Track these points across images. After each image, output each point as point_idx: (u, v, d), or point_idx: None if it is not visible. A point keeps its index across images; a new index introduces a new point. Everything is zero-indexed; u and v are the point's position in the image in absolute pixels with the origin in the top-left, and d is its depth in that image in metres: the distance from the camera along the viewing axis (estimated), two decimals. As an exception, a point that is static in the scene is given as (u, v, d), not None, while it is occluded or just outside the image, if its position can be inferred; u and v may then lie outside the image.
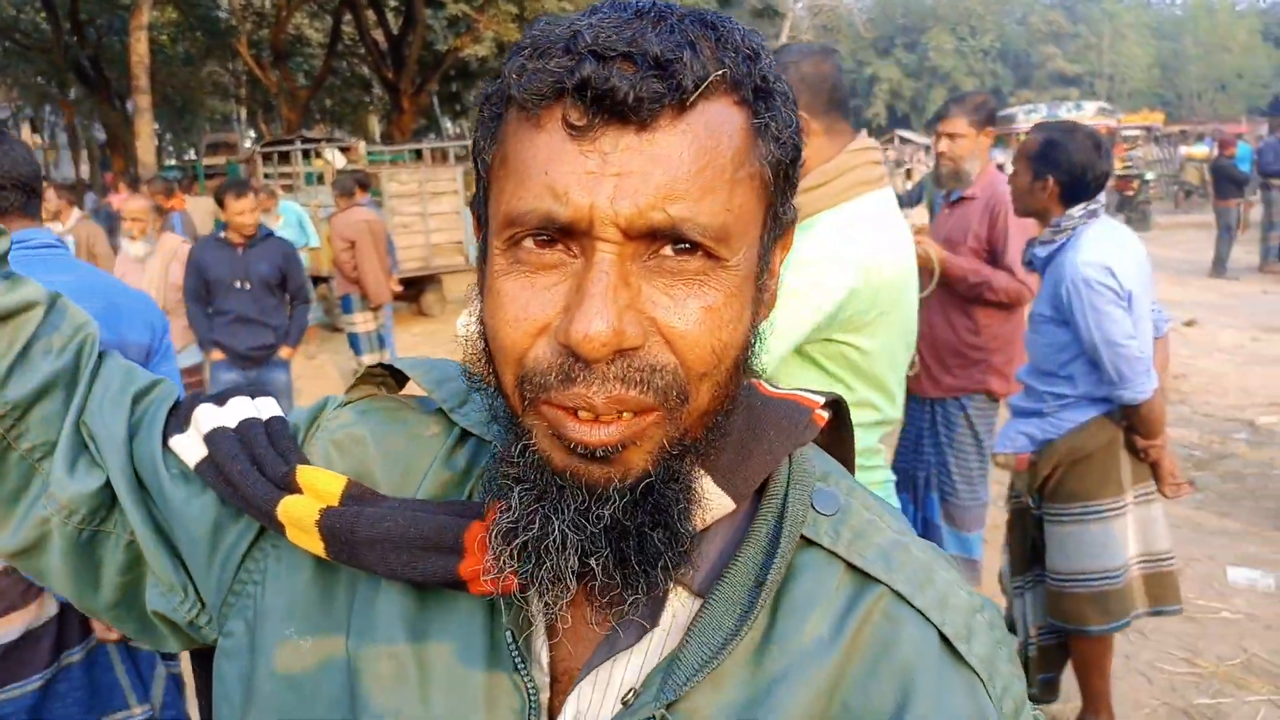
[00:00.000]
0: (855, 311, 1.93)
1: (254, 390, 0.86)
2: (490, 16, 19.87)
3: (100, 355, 0.86)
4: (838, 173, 2.03)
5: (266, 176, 13.39)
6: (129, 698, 2.64)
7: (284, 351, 5.63)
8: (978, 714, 0.66)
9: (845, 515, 0.72)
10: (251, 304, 5.42)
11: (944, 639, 0.69)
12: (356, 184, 8.78)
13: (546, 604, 0.66)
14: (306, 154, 14.09)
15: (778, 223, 0.67)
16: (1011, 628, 3.28)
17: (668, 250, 0.60)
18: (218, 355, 5.45)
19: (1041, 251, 3.05)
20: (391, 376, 0.87)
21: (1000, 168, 4.71)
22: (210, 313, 5.46)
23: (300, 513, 0.72)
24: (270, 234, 5.77)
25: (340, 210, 8.39)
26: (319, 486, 0.74)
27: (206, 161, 19.92)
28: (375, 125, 31.94)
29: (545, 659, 0.70)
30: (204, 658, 0.91)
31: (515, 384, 0.62)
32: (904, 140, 34.49)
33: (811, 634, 0.68)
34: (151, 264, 5.71)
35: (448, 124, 35.12)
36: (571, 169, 0.57)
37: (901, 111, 59.81)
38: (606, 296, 0.57)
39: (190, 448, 0.80)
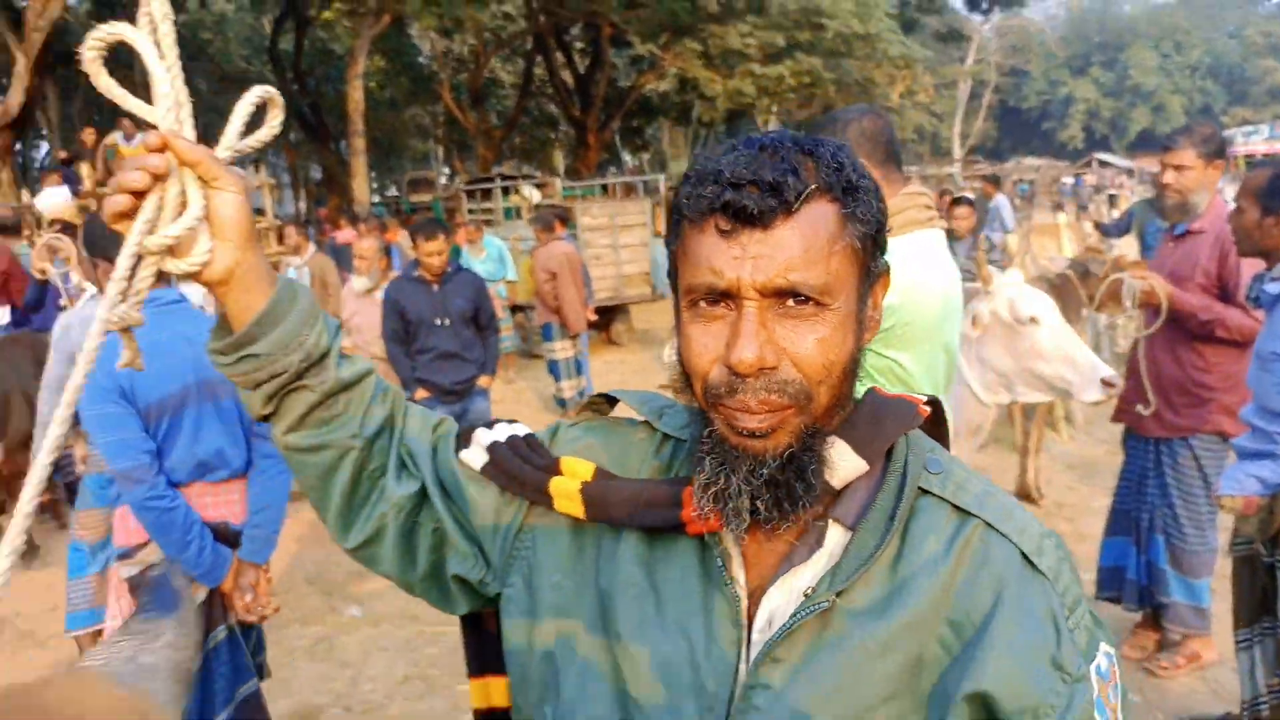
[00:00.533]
0: (897, 324, 2.19)
1: (509, 420, 1.22)
2: (675, 54, 20.47)
3: (403, 401, 1.23)
4: (892, 213, 2.14)
5: (470, 212, 14.36)
6: (251, 670, 3.08)
7: (484, 381, 5.69)
8: (1048, 606, 0.94)
9: (949, 473, 1.01)
10: (453, 339, 5.49)
11: (1023, 555, 0.96)
12: (556, 219, 9.30)
13: (735, 535, 0.99)
14: (505, 190, 15.01)
15: (870, 274, 0.97)
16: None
17: (790, 302, 0.91)
18: (422, 393, 5.50)
19: (1272, 289, 2.93)
20: (605, 402, 1.24)
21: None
22: (412, 351, 5.54)
23: (566, 488, 1.09)
24: (460, 268, 5.85)
25: (541, 244, 8.90)
26: (577, 471, 1.10)
27: (411, 198, 21.44)
28: (560, 160, 33.37)
29: (742, 578, 1.01)
30: (473, 625, 1.29)
31: (702, 392, 0.95)
32: (1103, 164, 32.58)
33: (929, 552, 0.97)
34: (379, 297, 6.21)
35: (628, 158, 36.17)
36: (724, 257, 0.90)
37: (1100, 133, 56.51)
38: (751, 334, 0.90)
39: (476, 458, 1.16)
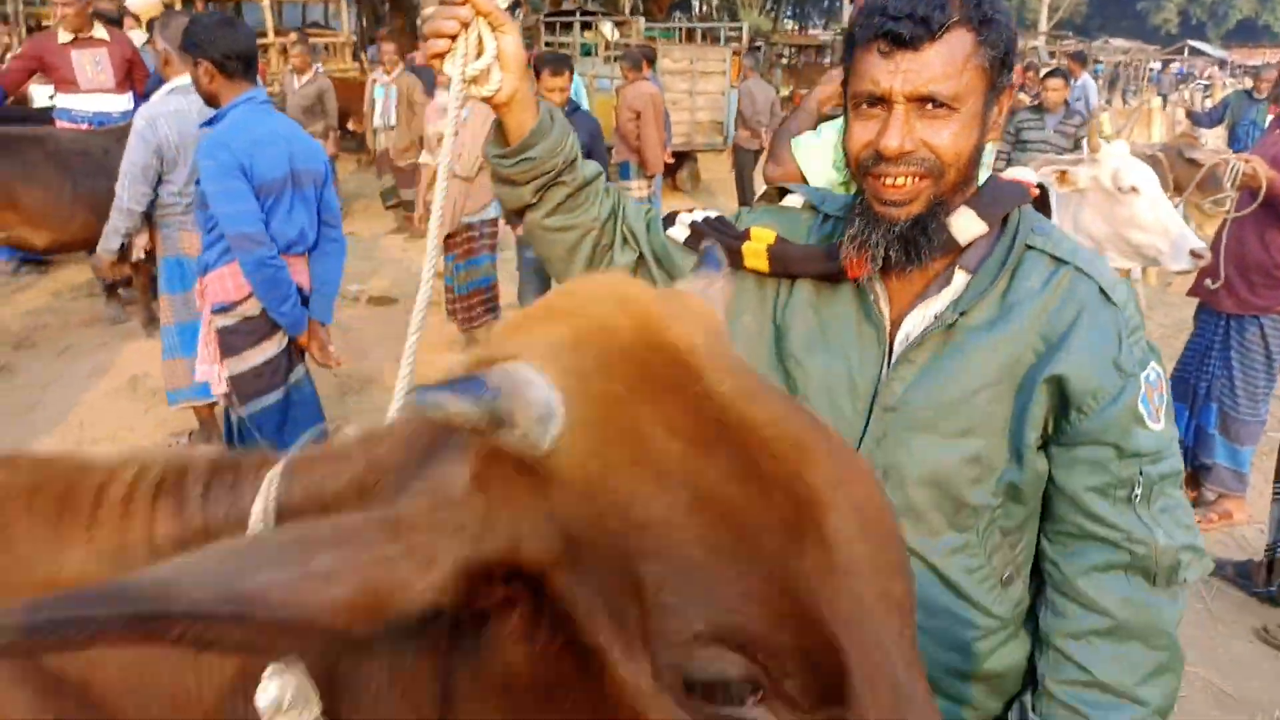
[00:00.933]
0: None
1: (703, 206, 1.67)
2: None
3: (621, 194, 1.60)
4: None
5: (546, 45, 14.21)
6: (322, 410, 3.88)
7: None
8: (1115, 325, 1.29)
9: (1049, 235, 1.37)
10: None
11: (1101, 289, 1.31)
12: (644, 59, 9.30)
13: (879, 278, 1.36)
14: (585, 25, 14.77)
15: (996, 87, 1.27)
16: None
17: (929, 106, 1.23)
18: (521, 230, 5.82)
19: None
20: (777, 194, 1.59)
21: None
22: None
23: (754, 249, 1.44)
24: (576, 107, 6.04)
25: (628, 82, 8.95)
26: (762, 237, 1.45)
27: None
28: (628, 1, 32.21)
29: (886, 311, 1.38)
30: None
31: (856, 167, 1.30)
32: (1195, 52, 30.99)
33: (1030, 288, 1.32)
34: (473, 121, 6.31)
35: (696, 3, 34.81)
36: (881, 71, 1.22)
37: (1197, 18, 53.27)
38: (898, 128, 1.23)
39: (680, 233, 1.53)
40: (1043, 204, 1.46)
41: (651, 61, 9.81)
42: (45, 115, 5.84)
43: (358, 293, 7.62)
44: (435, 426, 0.80)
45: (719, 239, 1.44)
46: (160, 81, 6.52)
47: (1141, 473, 1.28)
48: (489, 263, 6.21)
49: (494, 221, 6.17)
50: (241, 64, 3.38)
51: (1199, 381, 4.25)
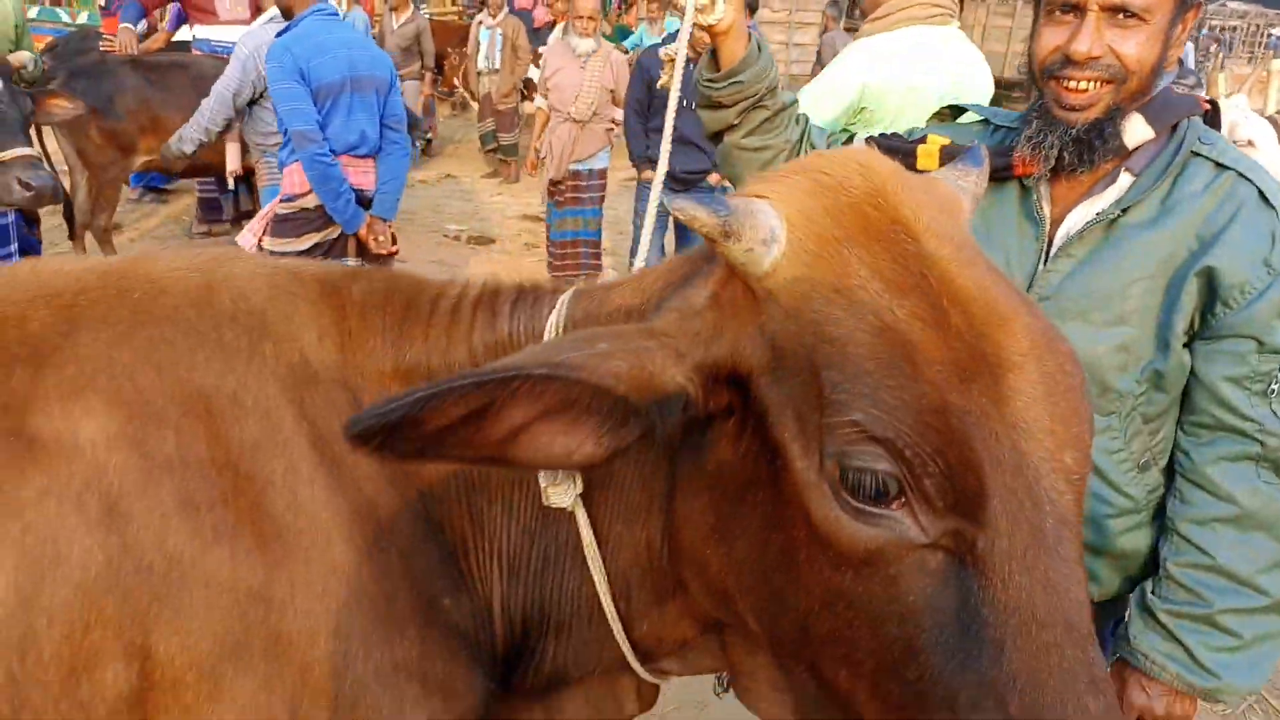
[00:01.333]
0: (866, 108, 2.66)
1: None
2: None
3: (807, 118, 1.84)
4: (894, 9, 2.80)
5: (641, -8, 14.21)
6: None
7: (713, 178, 5.56)
8: (1270, 227, 1.40)
9: (1215, 143, 1.46)
10: (695, 125, 5.38)
11: (1260, 193, 1.41)
12: (747, 7, 9.29)
13: (1046, 179, 1.47)
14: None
15: (1184, 5, 1.37)
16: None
17: (1120, 16, 1.33)
18: (649, 174, 5.55)
19: None
20: (950, 113, 1.78)
21: None
22: (648, 129, 5.52)
23: (929, 150, 1.58)
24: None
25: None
26: (936, 140, 1.60)
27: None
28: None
29: (1048, 210, 1.50)
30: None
31: (1041, 72, 1.41)
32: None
33: (1191, 190, 1.42)
34: (593, 64, 6.01)
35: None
36: None
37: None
38: (1089, 34, 1.33)
39: (861, 144, 1.73)
40: (1213, 120, 1.55)
41: (753, 9, 9.80)
42: (184, 47, 6.18)
43: (457, 232, 7.91)
44: (687, 266, 1.00)
45: (896, 145, 1.58)
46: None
47: (1275, 374, 1.37)
48: (594, 216, 6.08)
49: (602, 173, 6.08)
50: None
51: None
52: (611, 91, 5.97)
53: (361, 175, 3.93)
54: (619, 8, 11.55)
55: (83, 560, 0.92)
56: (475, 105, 10.16)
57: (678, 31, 1.59)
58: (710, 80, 1.68)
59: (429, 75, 9.93)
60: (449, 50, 11.12)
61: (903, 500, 0.81)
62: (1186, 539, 1.42)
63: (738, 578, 0.96)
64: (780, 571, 0.89)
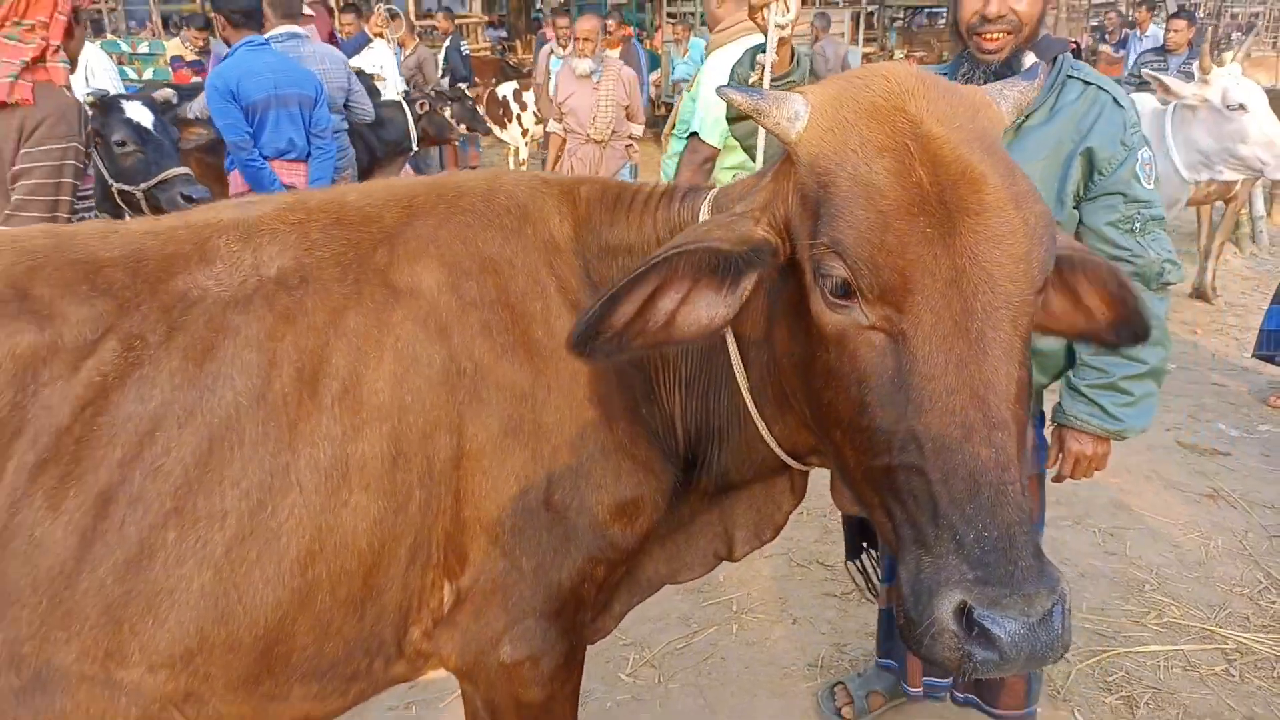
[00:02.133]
0: (704, 117, 3.32)
1: None
2: None
3: None
4: (732, 22, 3.46)
5: (669, 14, 14.83)
6: None
7: None
8: (1123, 120, 1.99)
9: (1081, 69, 2.05)
10: None
11: (1114, 98, 2.01)
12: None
13: None
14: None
15: None
16: None
17: None
18: None
19: None
20: None
21: None
22: None
23: None
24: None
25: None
26: None
27: None
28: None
29: None
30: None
31: (966, 30, 1.96)
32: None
33: (1070, 99, 2.01)
34: (605, 83, 6.17)
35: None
36: None
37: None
38: (996, 1, 1.93)
39: None
40: (1077, 54, 2.16)
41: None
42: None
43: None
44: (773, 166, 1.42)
45: None
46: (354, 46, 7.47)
47: (1138, 214, 1.96)
48: None
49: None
50: (244, 16, 4.54)
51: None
52: (626, 107, 6.19)
53: (292, 175, 4.65)
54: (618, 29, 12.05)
55: (428, 361, 1.38)
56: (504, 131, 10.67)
57: (758, 45, 1.87)
58: (773, 80, 1.94)
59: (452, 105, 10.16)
60: (476, 81, 11.68)
61: (855, 297, 1.12)
62: None
63: (793, 373, 1.30)
64: (806, 362, 1.26)
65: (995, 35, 1.92)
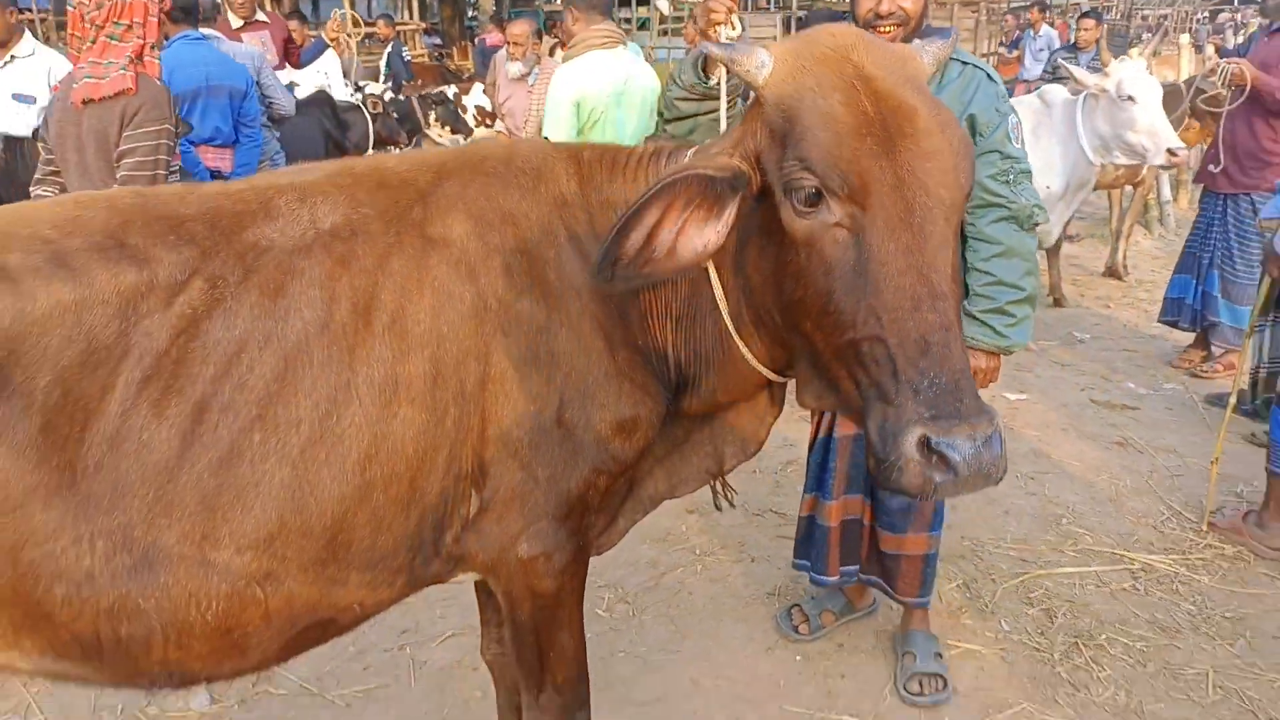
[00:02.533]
0: (585, 114, 4.03)
1: None
2: None
3: None
4: (579, 42, 4.19)
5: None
6: None
7: None
8: (995, 91, 2.42)
9: (960, 52, 2.41)
10: None
11: (987, 74, 2.44)
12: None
13: None
14: (642, 1, 15.71)
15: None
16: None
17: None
18: None
19: None
20: None
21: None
22: None
23: None
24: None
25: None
26: None
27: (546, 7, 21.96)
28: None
29: None
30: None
31: (863, 24, 2.31)
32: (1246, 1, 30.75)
33: (952, 76, 2.41)
34: (539, 86, 5.93)
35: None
36: None
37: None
38: (882, 3, 2.32)
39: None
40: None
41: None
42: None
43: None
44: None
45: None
46: (313, 53, 7.61)
47: (1012, 168, 2.34)
48: None
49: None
50: (182, 12, 4.82)
51: (1203, 253, 5.08)
52: None
53: (217, 160, 4.93)
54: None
55: (460, 298, 1.63)
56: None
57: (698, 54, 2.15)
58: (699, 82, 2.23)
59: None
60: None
61: (821, 202, 1.38)
62: (980, 270, 2.40)
63: (765, 286, 1.56)
64: (778, 271, 1.54)
65: (887, 29, 2.26)
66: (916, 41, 1.64)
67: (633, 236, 1.46)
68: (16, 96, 4.99)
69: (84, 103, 3.25)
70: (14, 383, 1.34)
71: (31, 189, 3.55)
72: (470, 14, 24.34)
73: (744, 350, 1.74)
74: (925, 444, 1.27)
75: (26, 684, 2.81)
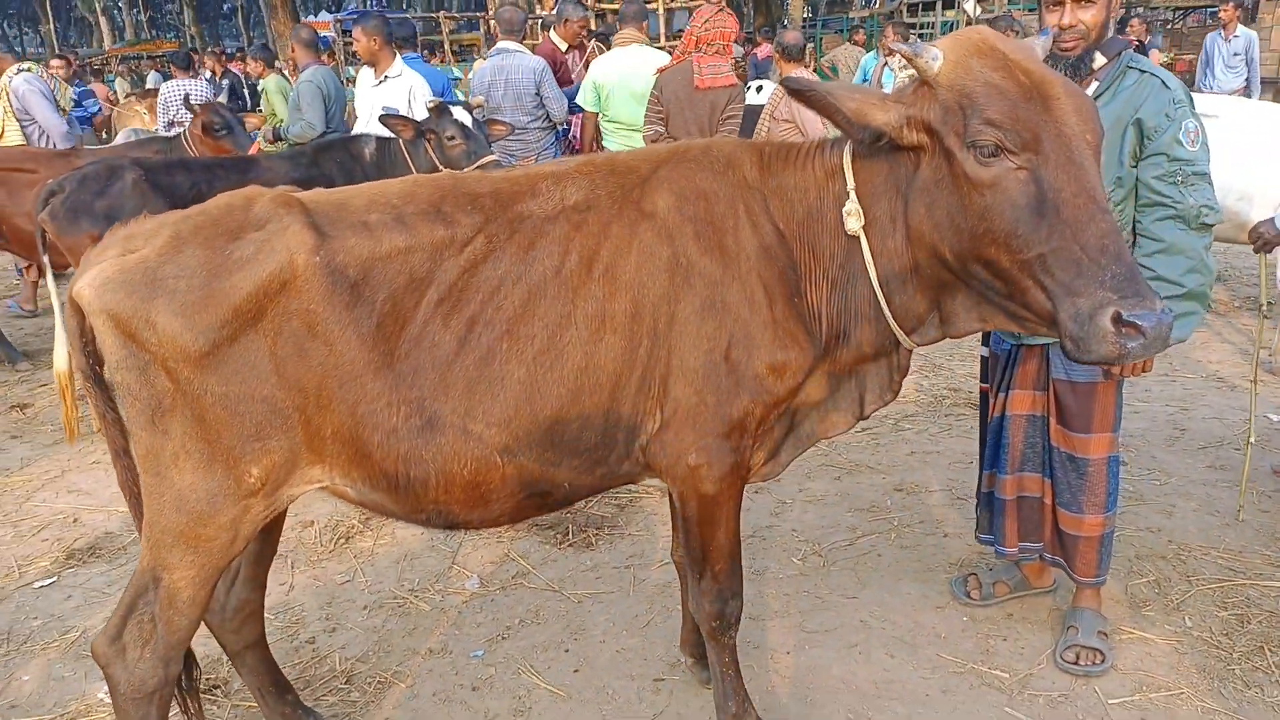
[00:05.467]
0: (602, 98, 6.32)
1: None
2: None
3: None
4: (617, 42, 6.48)
5: (909, 24, 15.10)
6: None
7: None
8: (1169, 97, 2.56)
9: (1139, 61, 2.64)
10: None
11: (1162, 81, 2.58)
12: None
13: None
14: (947, 4, 15.47)
15: None
16: None
17: (1082, 2, 2.56)
18: None
19: None
20: None
21: None
22: None
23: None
24: None
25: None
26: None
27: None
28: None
29: None
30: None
31: (1052, 39, 2.48)
32: None
33: (1129, 84, 2.61)
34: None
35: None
36: None
37: None
38: (1068, 13, 2.57)
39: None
40: (1140, 49, 2.67)
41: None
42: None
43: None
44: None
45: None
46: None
47: (1179, 169, 2.46)
48: None
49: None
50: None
51: None
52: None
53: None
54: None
55: (658, 255, 2.08)
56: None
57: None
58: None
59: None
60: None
61: (1003, 152, 1.80)
62: (1143, 264, 2.50)
63: (939, 232, 1.94)
64: (958, 213, 1.89)
65: (1069, 41, 2.52)
66: (1028, 40, 2.11)
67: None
68: (385, 108, 6.24)
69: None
70: (364, 294, 2.04)
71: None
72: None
73: (885, 310, 2.14)
74: (1118, 319, 1.69)
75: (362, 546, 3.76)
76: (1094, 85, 2.57)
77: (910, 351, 2.29)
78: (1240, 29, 9.66)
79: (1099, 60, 2.57)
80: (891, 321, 2.15)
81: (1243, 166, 5.11)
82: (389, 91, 6.48)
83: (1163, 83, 2.55)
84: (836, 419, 2.39)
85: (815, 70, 11.57)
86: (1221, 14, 9.64)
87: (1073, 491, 2.82)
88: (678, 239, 2.14)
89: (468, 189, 2.24)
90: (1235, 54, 9.54)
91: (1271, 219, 3.61)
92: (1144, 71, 2.57)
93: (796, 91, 2.00)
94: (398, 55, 6.66)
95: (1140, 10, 19.71)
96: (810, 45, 15.38)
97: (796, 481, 4.16)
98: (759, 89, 6.63)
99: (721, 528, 2.33)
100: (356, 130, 6.58)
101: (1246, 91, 9.38)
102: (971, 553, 3.52)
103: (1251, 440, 3.73)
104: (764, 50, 14.14)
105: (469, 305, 2.08)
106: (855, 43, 13.88)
